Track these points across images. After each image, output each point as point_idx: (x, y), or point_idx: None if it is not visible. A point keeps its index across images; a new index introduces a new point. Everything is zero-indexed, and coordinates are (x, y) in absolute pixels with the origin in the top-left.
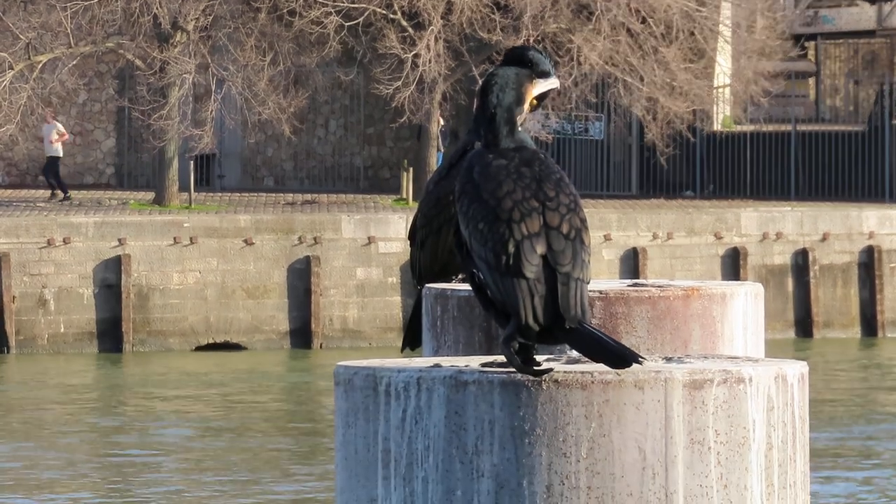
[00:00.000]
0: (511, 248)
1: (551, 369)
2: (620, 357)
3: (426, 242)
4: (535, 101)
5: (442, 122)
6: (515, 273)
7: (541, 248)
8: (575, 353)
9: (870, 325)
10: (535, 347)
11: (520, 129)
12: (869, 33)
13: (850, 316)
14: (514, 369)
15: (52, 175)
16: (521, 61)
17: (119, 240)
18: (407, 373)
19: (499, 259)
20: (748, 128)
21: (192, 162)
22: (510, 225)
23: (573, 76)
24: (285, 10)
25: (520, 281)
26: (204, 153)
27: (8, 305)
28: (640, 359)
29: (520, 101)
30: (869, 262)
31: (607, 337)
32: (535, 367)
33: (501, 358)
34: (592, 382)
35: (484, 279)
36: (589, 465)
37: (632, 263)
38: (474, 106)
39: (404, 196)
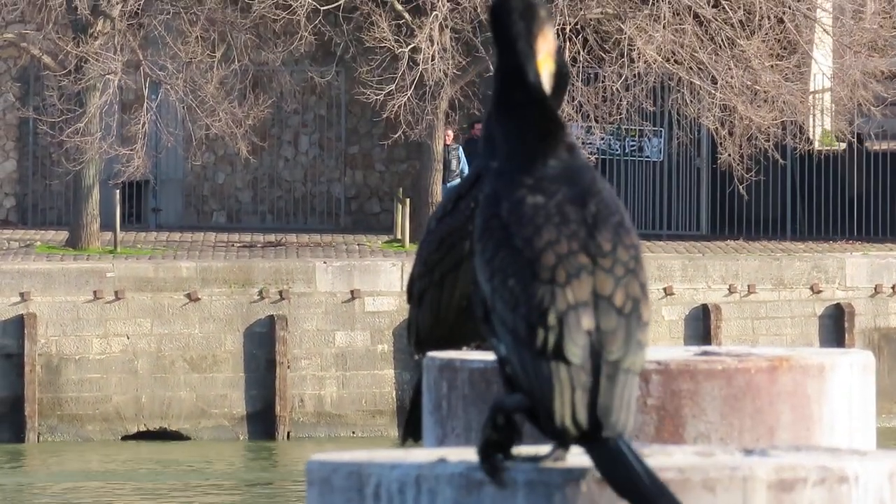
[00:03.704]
0: (552, 321)
1: (501, 472)
2: (650, 502)
3: (425, 297)
4: None
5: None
6: (555, 355)
7: (588, 323)
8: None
9: None
10: (521, 438)
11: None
12: None
13: None
14: (533, 462)
15: None
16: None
17: (21, 294)
18: (402, 469)
19: (533, 333)
20: (856, 146)
21: (117, 191)
22: (553, 289)
23: (623, 77)
24: None
25: (559, 366)
26: (134, 179)
27: None
28: None
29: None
30: None
31: (642, 466)
32: (495, 463)
33: (527, 449)
34: None
35: (506, 354)
36: None
37: (701, 325)
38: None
39: (399, 237)
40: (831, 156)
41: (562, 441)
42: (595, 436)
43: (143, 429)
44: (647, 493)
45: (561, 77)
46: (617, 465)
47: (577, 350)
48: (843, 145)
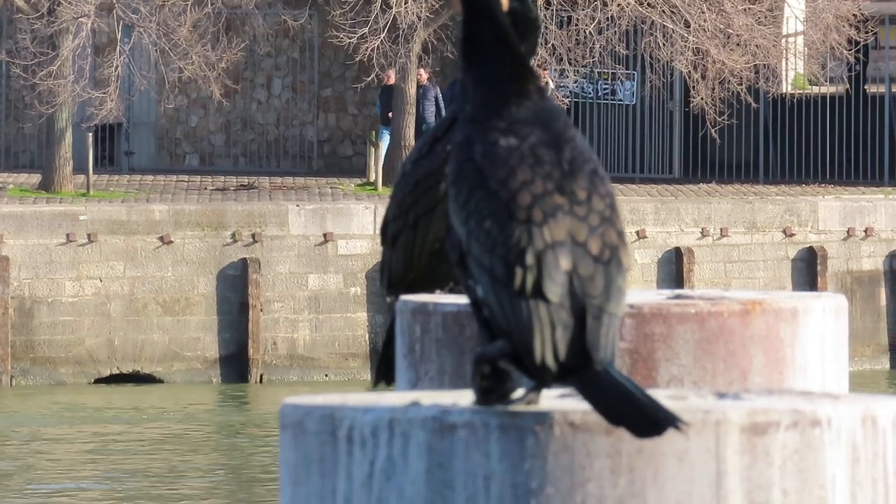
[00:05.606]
0: (530, 260)
1: (525, 400)
2: (651, 421)
3: (399, 239)
4: None
5: None
6: (534, 294)
7: (566, 263)
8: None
9: None
10: (512, 379)
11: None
12: None
13: None
14: (505, 405)
15: None
16: None
17: None
18: (376, 413)
19: (510, 272)
20: (828, 89)
21: (90, 134)
22: (530, 228)
23: (596, 20)
24: None
25: (538, 304)
26: (106, 122)
27: None
28: (678, 423)
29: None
30: None
31: (638, 389)
32: (508, 398)
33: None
34: None
35: (483, 296)
36: None
37: (673, 269)
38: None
39: (372, 180)
40: (804, 99)
41: (542, 380)
42: (582, 368)
43: (115, 372)
44: (645, 410)
45: (530, 22)
46: (613, 394)
47: (555, 288)
48: (816, 89)
